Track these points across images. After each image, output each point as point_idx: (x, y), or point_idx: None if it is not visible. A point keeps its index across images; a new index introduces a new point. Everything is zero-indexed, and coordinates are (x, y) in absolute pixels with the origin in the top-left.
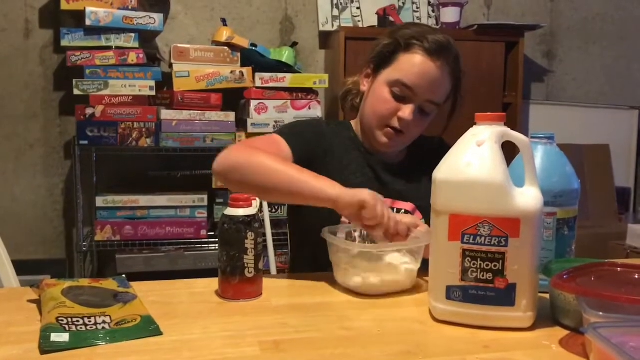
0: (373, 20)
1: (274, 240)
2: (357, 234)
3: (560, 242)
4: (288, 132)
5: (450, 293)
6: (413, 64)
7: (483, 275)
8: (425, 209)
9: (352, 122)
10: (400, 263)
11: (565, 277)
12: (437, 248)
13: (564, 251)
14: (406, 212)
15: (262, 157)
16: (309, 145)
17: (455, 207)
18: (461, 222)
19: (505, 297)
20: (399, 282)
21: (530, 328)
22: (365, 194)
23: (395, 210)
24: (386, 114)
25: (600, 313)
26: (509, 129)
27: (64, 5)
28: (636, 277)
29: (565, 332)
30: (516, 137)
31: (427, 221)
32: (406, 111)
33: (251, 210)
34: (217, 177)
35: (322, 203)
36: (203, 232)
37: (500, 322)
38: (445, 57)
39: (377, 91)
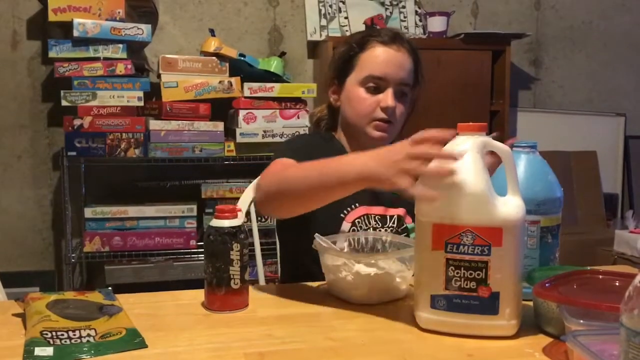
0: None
1: (262, 250)
2: (346, 244)
3: (544, 250)
4: (288, 151)
5: (435, 302)
6: (376, 56)
7: (467, 284)
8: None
9: (335, 134)
10: (394, 272)
11: (547, 285)
12: (421, 257)
13: (547, 259)
14: (399, 217)
15: (286, 173)
16: (310, 157)
17: (438, 217)
18: (444, 232)
19: (489, 305)
20: (394, 290)
21: (514, 336)
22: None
23: (388, 217)
24: (369, 110)
25: (581, 321)
26: (490, 138)
27: (52, 17)
28: (617, 284)
29: (549, 340)
30: (498, 146)
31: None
32: (387, 99)
33: (237, 222)
34: (264, 212)
35: (354, 187)
36: (192, 242)
37: (485, 330)
38: (400, 41)
39: (352, 94)
